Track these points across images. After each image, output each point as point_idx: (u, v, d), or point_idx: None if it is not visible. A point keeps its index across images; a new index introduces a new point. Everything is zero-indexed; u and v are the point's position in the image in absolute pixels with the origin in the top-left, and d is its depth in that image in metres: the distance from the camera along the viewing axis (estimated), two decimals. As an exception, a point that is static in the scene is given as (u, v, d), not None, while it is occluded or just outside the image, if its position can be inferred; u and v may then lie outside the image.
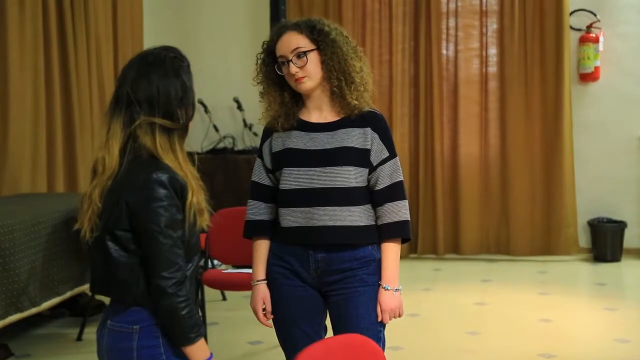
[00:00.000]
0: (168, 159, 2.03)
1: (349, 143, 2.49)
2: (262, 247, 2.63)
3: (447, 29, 6.95)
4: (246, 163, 6.85)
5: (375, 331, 2.49)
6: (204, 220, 2.09)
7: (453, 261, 6.94)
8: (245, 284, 4.37)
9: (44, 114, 5.59)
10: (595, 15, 6.76)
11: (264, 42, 2.61)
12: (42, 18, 5.58)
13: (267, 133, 2.63)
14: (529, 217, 6.84)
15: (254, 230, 2.63)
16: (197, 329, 2.03)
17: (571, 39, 6.73)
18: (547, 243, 6.83)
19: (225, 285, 4.62)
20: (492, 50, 6.93)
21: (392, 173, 2.53)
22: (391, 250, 2.54)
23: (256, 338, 4.69)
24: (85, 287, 4.85)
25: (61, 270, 4.50)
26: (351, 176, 2.48)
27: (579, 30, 6.80)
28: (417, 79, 6.99)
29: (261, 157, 2.63)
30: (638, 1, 6.74)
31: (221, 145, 7.07)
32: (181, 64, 2.10)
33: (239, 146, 7.12)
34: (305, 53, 2.48)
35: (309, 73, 2.49)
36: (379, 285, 2.53)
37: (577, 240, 6.81)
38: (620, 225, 6.70)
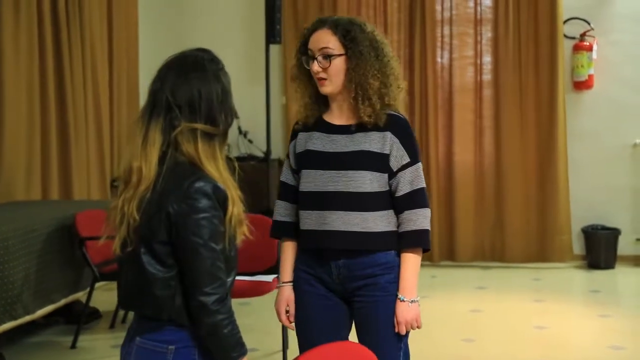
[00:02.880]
0: (210, 167, 1.93)
1: (366, 147, 2.45)
2: (288, 249, 2.62)
3: (442, 36, 6.97)
4: (241, 170, 6.84)
5: (394, 342, 2.46)
6: (242, 232, 2.01)
7: (448, 268, 6.94)
8: (240, 291, 4.38)
9: (38, 122, 5.58)
10: (588, 23, 6.79)
11: (304, 28, 2.58)
12: (37, 25, 5.57)
13: (294, 133, 2.61)
14: (523, 224, 6.85)
15: (279, 231, 2.64)
16: (240, 348, 1.94)
17: (565, 47, 6.77)
18: (541, 250, 6.84)
19: (220, 292, 4.62)
20: (487, 58, 6.95)
21: (412, 180, 2.47)
22: (409, 261, 2.48)
23: (252, 345, 4.68)
24: (80, 295, 4.84)
25: (55, 277, 4.49)
26: (366, 181, 2.44)
27: (573, 38, 6.83)
28: (412, 86, 7.01)
29: (288, 157, 2.63)
30: (631, 10, 6.77)
31: (216, 152, 7.07)
32: (219, 66, 2.02)
33: (234, 153, 7.12)
34: (330, 56, 2.44)
35: (330, 77, 2.46)
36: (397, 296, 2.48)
37: (571, 248, 6.83)
38: (614, 233, 6.71)
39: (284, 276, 2.61)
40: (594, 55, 6.74)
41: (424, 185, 2.51)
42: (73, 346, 4.67)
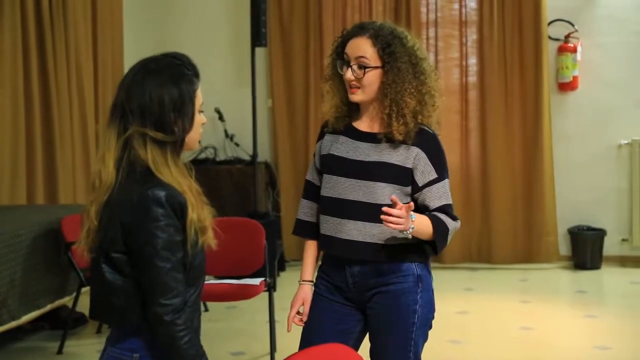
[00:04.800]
0: (163, 174, 1.88)
1: (389, 159, 2.41)
2: (310, 248, 2.61)
3: (427, 38, 6.98)
4: (227, 173, 6.83)
5: (404, 350, 2.43)
6: (208, 238, 1.94)
7: (436, 270, 6.81)
8: (227, 295, 4.37)
9: (23, 125, 5.54)
10: (573, 25, 6.83)
11: (343, 29, 2.54)
12: (21, 29, 5.54)
13: (322, 133, 2.59)
14: (510, 225, 6.87)
15: (301, 230, 2.62)
16: None
17: (550, 48, 6.79)
18: (528, 251, 6.86)
19: (207, 296, 4.60)
20: (472, 60, 6.96)
21: (440, 196, 2.43)
22: (432, 216, 2.38)
23: (239, 349, 4.67)
24: (66, 300, 4.81)
25: (41, 283, 4.46)
26: (385, 193, 2.39)
27: (557, 40, 6.86)
28: (397, 88, 7.01)
29: (315, 156, 2.60)
30: (614, 12, 6.81)
31: (202, 155, 7.06)
32: (185, 72, 1.94)
33: (221, 157, 7.11)
34: (366, 67, 2.40)
35: (363, 87, 2.41)
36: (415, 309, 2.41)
37: (557, 248, 6.85)
38: (600, 233, 6.74)
39: (304, 275, 2.61)
40: (579, 56, 6.77)
41: (451, 202, 2.46)
42: (59, 352, 4.64)
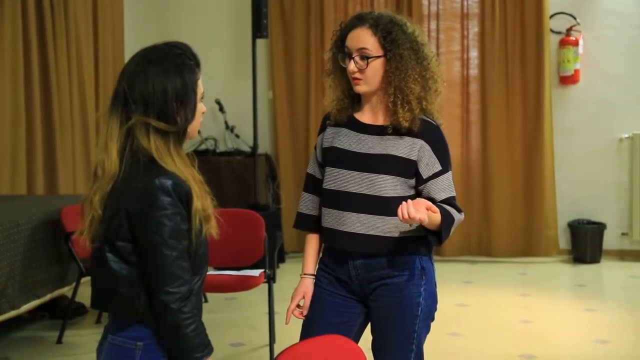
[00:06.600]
0: (166, 163, 1.89)
1: (394, 151, 2.40)
2: (312, 242, 2.60)
3: (429, 31, 6.97)
4: (228, 165, 6.83)
5: (406, 343, 2.43)
6: (211, 227, 1.96)
7: (435, 263, 6.92)
8: (227, 286, 4.37)
9: (23, 116, 5.54)
10: (575, 18, 6.81)
11: (341, 22, 2.53)
12: (22, 19, 5.53)
13: (323, 126, 2.58)
14: (510, 218, 6.87)
15: (302, 224, 2.61)
16: (204, 348, 1.89)
17: (551, 42, 6.78)
18: (527, 245, 6.86)
19: (206, 287, 4.59)
20: (474, 53, 6.95)
21: (445, 188, 2.42)
22: (439, 206, 2.33)
23: (238, 340, 4.68)
24: (65, 290, 4.82)
25: (41, 272, 4.47)
26: (389, 185, 2.39)
27: (559, 33, 6.85)
28: (398, 81, 6.99)
29: (316, 148, 2.59)
30: (616, 5, 6.80)
31: (202, 147, 7.05)
32: (187, 61, 1.94)
33: (221, 148, 7.10)
34: (368, 58, 2.38)
35: (366, 78, 2.40)
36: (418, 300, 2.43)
37: (557, 242, 6.85)
38: (600, 227, 6.74)
39: (305, 268, 2.60)
40: (580, 50, 6.76)
41: (455, 193, 2.46)
42: (59, 341, 4.65)
